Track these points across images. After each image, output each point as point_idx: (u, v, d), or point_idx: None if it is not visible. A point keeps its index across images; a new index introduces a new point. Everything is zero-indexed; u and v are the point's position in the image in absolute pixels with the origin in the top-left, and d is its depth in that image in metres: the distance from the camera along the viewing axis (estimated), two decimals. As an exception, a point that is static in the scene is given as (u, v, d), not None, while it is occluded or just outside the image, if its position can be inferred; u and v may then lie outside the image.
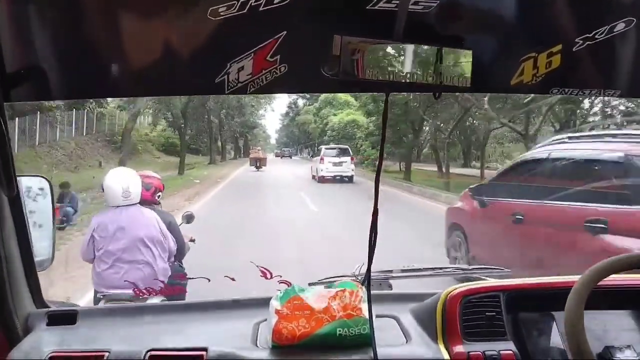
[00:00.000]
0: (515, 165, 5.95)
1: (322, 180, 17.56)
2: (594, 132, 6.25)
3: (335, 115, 28.36)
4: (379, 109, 16.55)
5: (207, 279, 1.80)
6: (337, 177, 17.82)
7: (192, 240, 3.66)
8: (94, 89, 1.22)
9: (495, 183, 5.96)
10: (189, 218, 3.79)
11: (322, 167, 17.88)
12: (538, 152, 5.51)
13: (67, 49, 1.09)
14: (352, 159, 18.55)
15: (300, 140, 46.56)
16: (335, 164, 17.93)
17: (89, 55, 1.10)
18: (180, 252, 3.30)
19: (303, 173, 21.06)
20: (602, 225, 4.00)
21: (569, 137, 5.20)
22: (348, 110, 27.41)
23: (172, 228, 3.27)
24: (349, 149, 19.26)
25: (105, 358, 1.34)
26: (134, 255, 2.99)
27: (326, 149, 19.11)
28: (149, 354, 1.34)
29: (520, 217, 4.88)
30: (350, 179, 18.07)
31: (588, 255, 3.68)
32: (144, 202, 3.18)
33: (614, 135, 4.87)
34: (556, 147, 5.07)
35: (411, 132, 19.37)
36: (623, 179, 4.14)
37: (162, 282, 1.72)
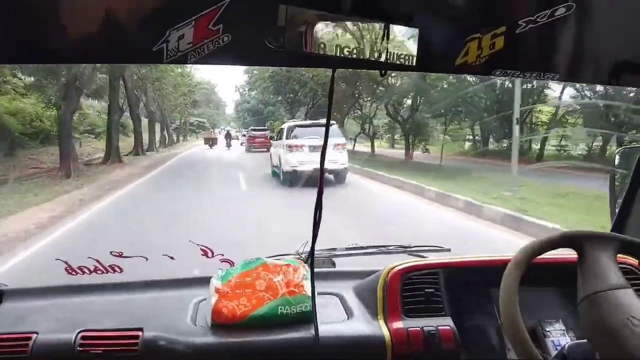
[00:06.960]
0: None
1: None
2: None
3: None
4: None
5: (145, 257, 1.73)
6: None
7: None
8: (25, 54, 1.12)
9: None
10: None
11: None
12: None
13: None
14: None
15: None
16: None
17: (21, 19, 1.01)
18: None
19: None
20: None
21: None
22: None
23: None
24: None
25: (32, 340, 1.27)
26: None
27: None
28: (80, 334, 1.28)
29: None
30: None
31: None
32: None
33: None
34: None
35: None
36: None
37: (97, 260, 1.62)
